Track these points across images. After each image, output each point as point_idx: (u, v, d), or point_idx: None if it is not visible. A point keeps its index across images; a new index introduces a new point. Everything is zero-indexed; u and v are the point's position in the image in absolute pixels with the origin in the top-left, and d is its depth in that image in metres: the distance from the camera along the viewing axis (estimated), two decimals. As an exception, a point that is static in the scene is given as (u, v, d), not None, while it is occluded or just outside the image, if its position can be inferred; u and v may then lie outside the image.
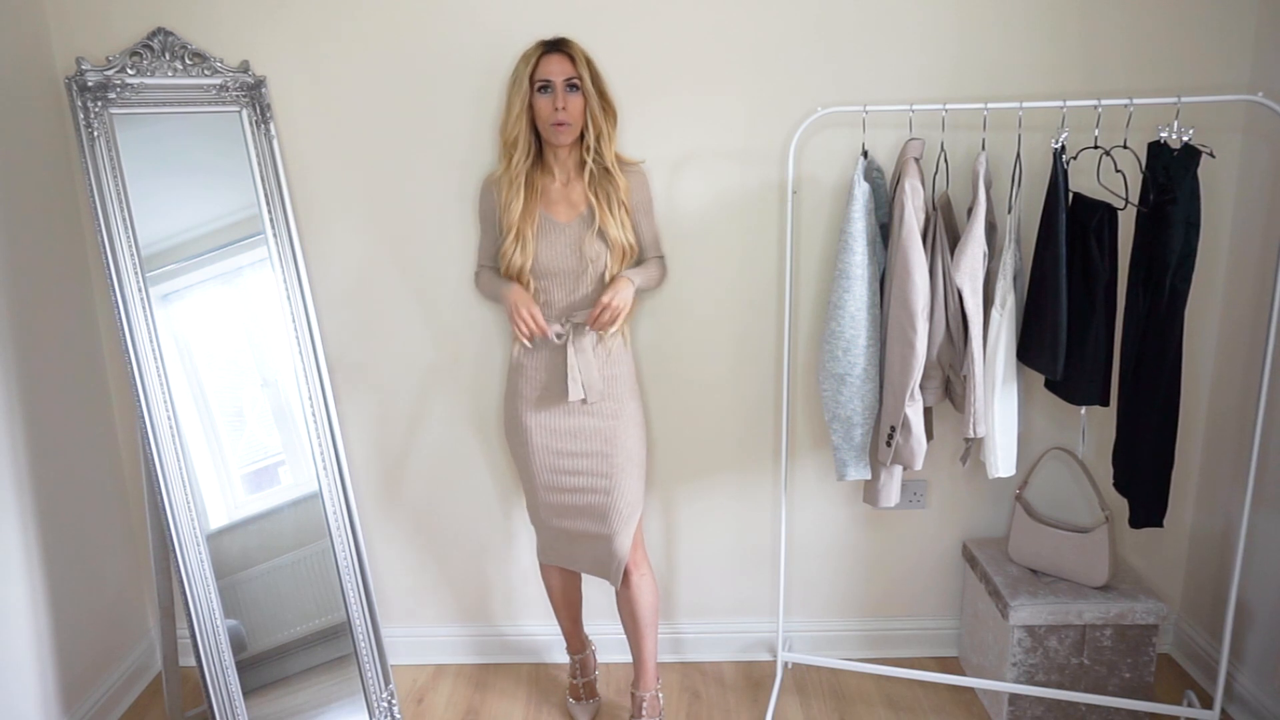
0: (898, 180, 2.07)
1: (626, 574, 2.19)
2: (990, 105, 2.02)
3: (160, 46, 2.16)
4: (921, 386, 2.13)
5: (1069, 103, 1.98)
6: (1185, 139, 1.90)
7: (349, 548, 2.29)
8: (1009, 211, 2.07)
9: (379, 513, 2.58)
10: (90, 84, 2.03)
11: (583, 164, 2.10)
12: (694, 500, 2.57)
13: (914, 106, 2.06)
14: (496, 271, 2.19)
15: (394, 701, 2.34)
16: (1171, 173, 1.91)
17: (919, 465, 2.14)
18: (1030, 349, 2.09)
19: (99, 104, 2.04)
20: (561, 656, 2.60)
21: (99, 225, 2.02)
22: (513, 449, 2.25)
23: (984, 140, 2.07)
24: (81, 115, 2.02)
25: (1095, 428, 2.40)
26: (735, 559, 2.61)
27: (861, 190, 2.05)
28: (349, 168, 2.34)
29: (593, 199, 2.09)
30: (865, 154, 2.12)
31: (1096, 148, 1.99)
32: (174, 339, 2.11)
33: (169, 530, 2.05)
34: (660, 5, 2.24)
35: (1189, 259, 1.93)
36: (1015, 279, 2.09)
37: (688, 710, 2.47)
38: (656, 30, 2.25)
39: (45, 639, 2.21)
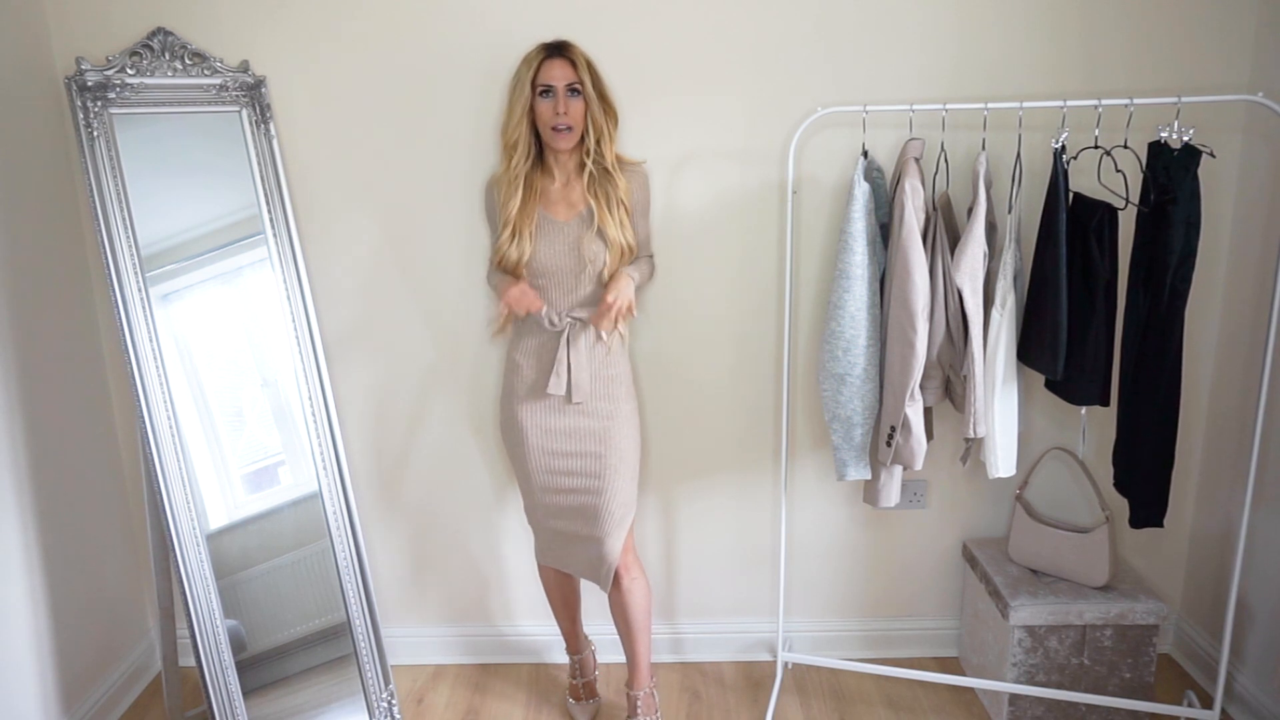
0: (898, 180, 2.07)
1: (617, 577, 2.19)
2: (990, 105, 2.02)
3: (160, 46, 2.16)
4: (921, 386, 2.13)
5: (1069, 103, 1.98)
6: (1185, 139, 1.90)
7: (349, 548, 2.29)
8: (1009, 211, 2.07)
9: (379, 513, 2.58)
10: (90, 84, 2.03)
11: (583, 165, 2.10)
12: (694, 500, 2.57)
13: (914, 106, 2.06)
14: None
15: (394, 702, 2.34)
16: (1172, 173, 1.91)
17: (919, 465, 2.14)
18: (1030, 349, 2.09)
19: (99, 104, 2.04)
20: (561, 657, 2.60)
21: (99, 225, 2.02)
22: (509, 449, 2.25)
23: (984, 140, 2.07)
24: (81, 115, 2.02)
25: (1095, 428, 2.40)
26: (735, 559, 2.61)
27: (861, 190, 2.05)
28: (349, 168, 2.34)
29: (592, 199, 2.09)
30: (865, 154, 2.12)
31: (1097, 148, 1.99)
32: (174, 339, 2.11)
33: (169, 530, 2.05)
34: (660, 5, 2.24)
35: (1189, 259, 1.93)
36: (1015, 279, 2.09)
37: (688, 710, 2.46)
38: (656, 30, 2.25)
39: (45, 639, 2.21)
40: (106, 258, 2.02)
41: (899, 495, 2.24)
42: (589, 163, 2.09)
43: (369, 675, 2.30)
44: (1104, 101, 1.95)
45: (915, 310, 2.02)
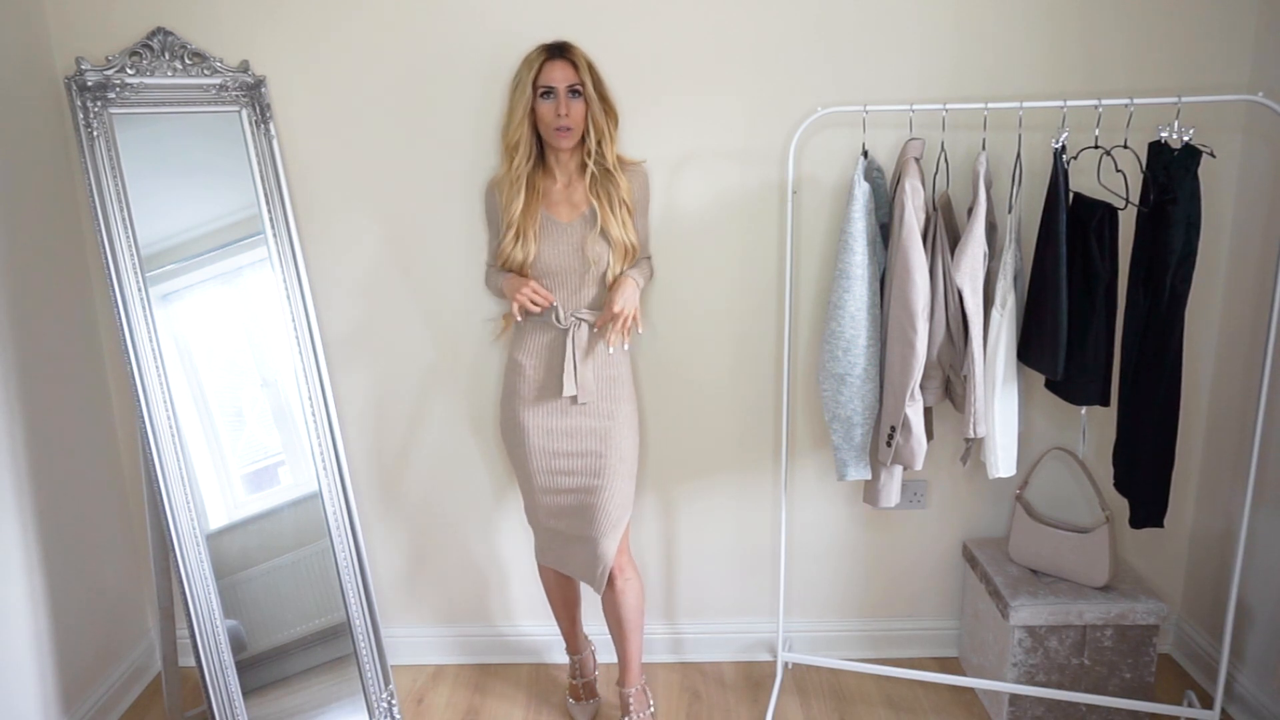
0: (898, 180, 2.07)
1: (611, 578, 2.19)
2: (990, 105, 2.02)
3: (160, 46, 2.16)
4: (922, 386, 2.13)
5: (1069, 103, 1.98)
6: (1185, 139, 1.90)
7: (349, 548, 2.29)
8: (1009, 211, 2.07)
9: (379, 513, 2.58)
10: (90, 84, 2.03)
11: (584, 166, 2.10)
12: (694, 500, 2.57)
13: (914, 106, 2.06)
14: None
15: (394, 702, 2.34)
16: (1172, 173, 1.91)
17: (919, 465, 2.14)
18: (1030, 349, 2.09)
19: (99, 104, 2.04)
20: (561, 657, 2.60)
21: (99, 225, 2.01)
22: (509, 450, 2.25)
23: (984, 140, 2.07)
24: (81, 115, 2.02)
25: (1095, 428, 2.40)
26: (735, 559, 2.61)
27: (861, 190, 2.05)
28: (349, 167, 2.34)
29: (594, 199, 2.09)
30: (865, 154, 2.12)
31: (1097, 148, 1.99)
32: (174, 339, 2.11)
33: (169, 530, 2.05)
34: (660, 5, 2.24)
35: (1189, 259, 1.93)
36: (1015, 279, 2.09)
37: (688, 710, 2.46)
38: (657, 30, 2.25)
39: (45, 639, 2.21)
40: (106, 258, 2.02)
41: (899, 495, 2.24)
42: (590, 164, 2.09)
43: (369, 675, 2.30)
44: (1104, 101, 1.95)
45: (915, 310, 2.02)
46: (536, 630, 2.67)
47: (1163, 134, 1.94)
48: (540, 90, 2.03)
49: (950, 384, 2.21)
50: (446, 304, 2.42)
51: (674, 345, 2.45)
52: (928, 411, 2.25)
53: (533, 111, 2.05)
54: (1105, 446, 2.29)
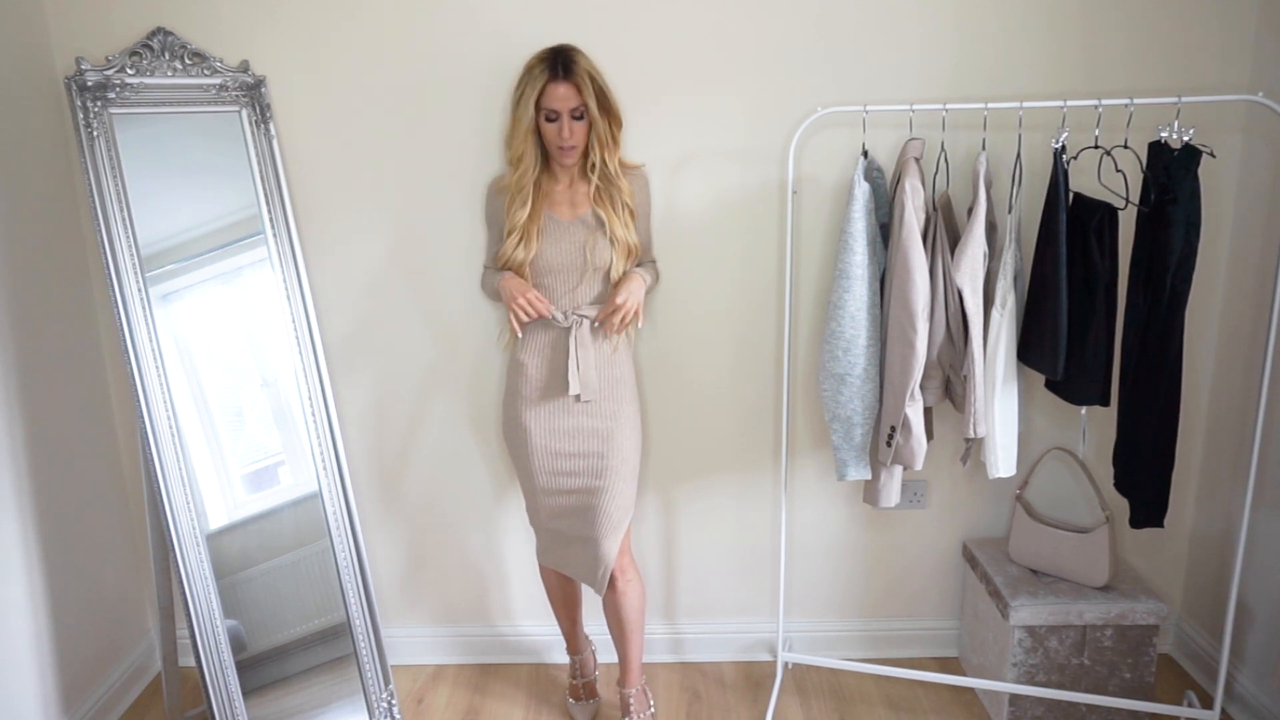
0: (898, 180, 2.07)
1: (612, 579, 2.19)
2: (990, 105, 2.02)
3: (160, 46, 2.16)
4: (922, 386, 2.13)
5: (1069, 103, 1.98)
6: (1185, 139, 1.90)
7: (349, 548, 2.29)
8: (1009, 211, 2.07)
9: (379, 513, 2.58)
10: (90, 84, 2.03)
11: (586, 167, 2.10)
12: (694, 500, 2.57)
13: (914, 106, 2.06)
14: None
15: (394, 702, 2.34)
16: (1172, 173, 1.91)
17: (919, 465, 2.14)
18: (1030, 349, 2.09)
19: (99, 104, 2.04)
20: (561, 657, 2.60)
21: (99, 225, 2.01)
22: (511, 450, 2.25)
23: (984, 140, 2.07)
24: (81, 115, 2.02)
25: (1095, 428, 2.40)
26: (735, 559, 2.61)
27: (861, 190, 2.05)
28: (349, 167, 2.34)
29: (597, 199, 2.09)
30: (865, 154, 2.12)
31: (1097, 148, 1.99)
32: (174, 339, 2.11)
33: (169, 530, 2.05)
34: (660, 6, 2.24)
35: (1189, 259, 1.93)
36: (1015, 279, 2.09)
37: (688, 710, 2.46)
38: (657, 31, 2.25)
39: (45, 639, 2.21)
40: (106, 258, 2.02)
41: (899, 495, 2.24)
42: (594, 178, 2.08)
43: (369, 675, 2.30)
44: (1104, 101, 1.95)
45: (915, 310, 2.01)
46: (536, 630, 2.67)
47: (1163, 134, 1.94)
48: (544, 113, 2.02)
49: (950, 384, 2.21)
50: (447, 304, 2.42)
51: (674, 345, 2.45)
52: (928, 411, 2.25)
53: (537, 129, 2.05)
54: (1105, 446, 2.29)
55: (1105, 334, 2.03)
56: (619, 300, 2.06)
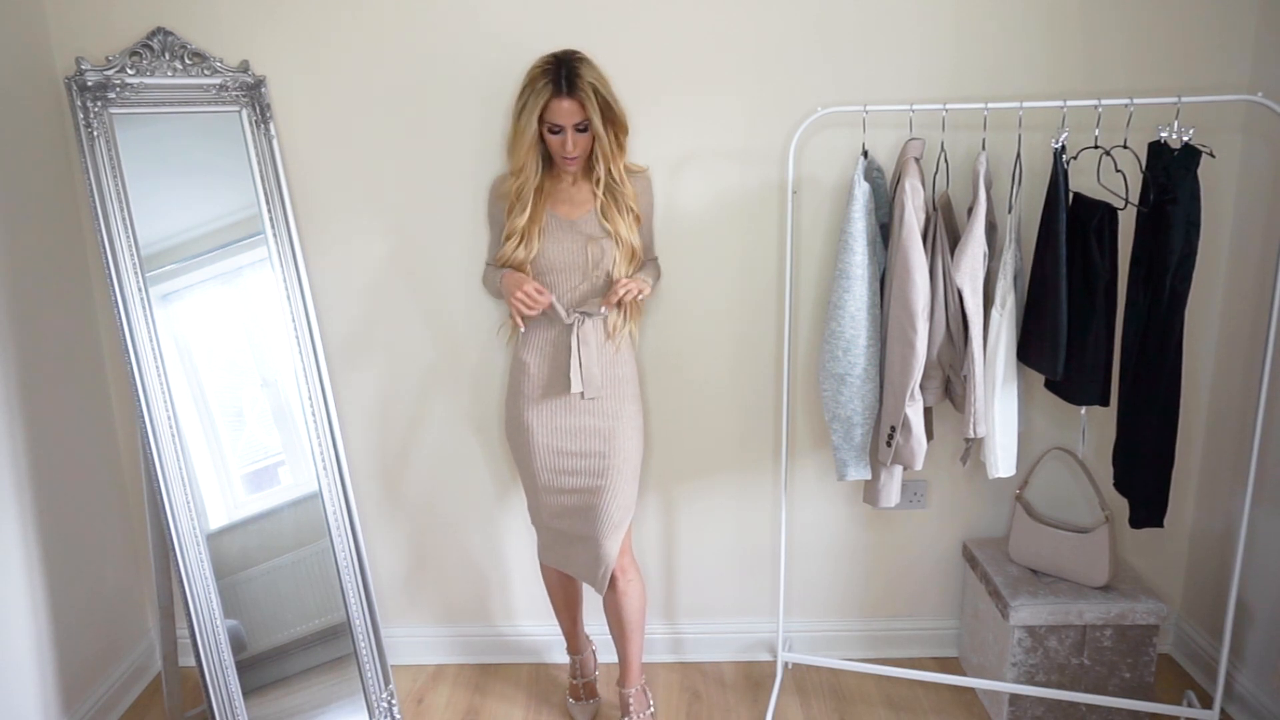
0: (898, 180, 2.07)
1: (613, 579, 2.19)
2: (990, 105, 2.02)
3: (160, 46, 2.16)
4: (921, 386, 2.13)
5: (1069, 103, 1.98)
6: (1185, 139, 1.90)
7: (349, 548, 2.29)
8: (1009, 211, 2.07)
9: (379, 513, 2.58)
10: (90, 84, 2.03)
11: (589, 169, 2.10)
12: (694, 500, 2.57)
13: (914, 106, 2.06)
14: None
15: (394, 702, 2.34)
16: (1171, 173, 1.91)
17: (919, 465, 2.14)
18: (1030, 349, 2.09)
19: (99, 104, 2.04)
20: (561, 657, 2.60)
21: (99, 225, 2.01)
22: (514, 449, 2.25)
23: (984, 140, 2.07)
24: (81, 115, 2.02)
25: (1095, 428, 2.40)
26: (735, 559, 2.61)
27: (861, 190, 2.05)
28: (349, 167, 2.34)
29: (602, 204, 2.09)
30: (865, 154, 2.12)
31: (1097, 148, 1.99)
32: (174, 339, 2.11)
33: (169, 530, 2.05)
34: (660, 6, 2.24)
35: (1189, 259, 1.93)
36: (1015, 279, 2.09)
37: (688, 710, 2.47)
38: (657, 31, 2.25)
39: (45, 639, 2.21)
40: (106, 258, 2.02)
41: (899, 495, 2.24)
42: (599, 191, 2.08)
43: (369, 675, 2.30)
44: (1104, 101, 1.95)
45: (915, 310, 2.02)
46: (537, 630, 2.67)
47: (1162, 134, 1.94)
48: (548, 126, 2.02)
49: (950, 384, 2.21)
50: (447, 303, 2.42)
51: (674, 345, 2.45)
52: (928, 411, 2.25)
53: (540, 138, 2.04)
54: (1105, 446, 2.29)
55: (1105, 334, 2.03)
56: (625, 281, 2.07)
